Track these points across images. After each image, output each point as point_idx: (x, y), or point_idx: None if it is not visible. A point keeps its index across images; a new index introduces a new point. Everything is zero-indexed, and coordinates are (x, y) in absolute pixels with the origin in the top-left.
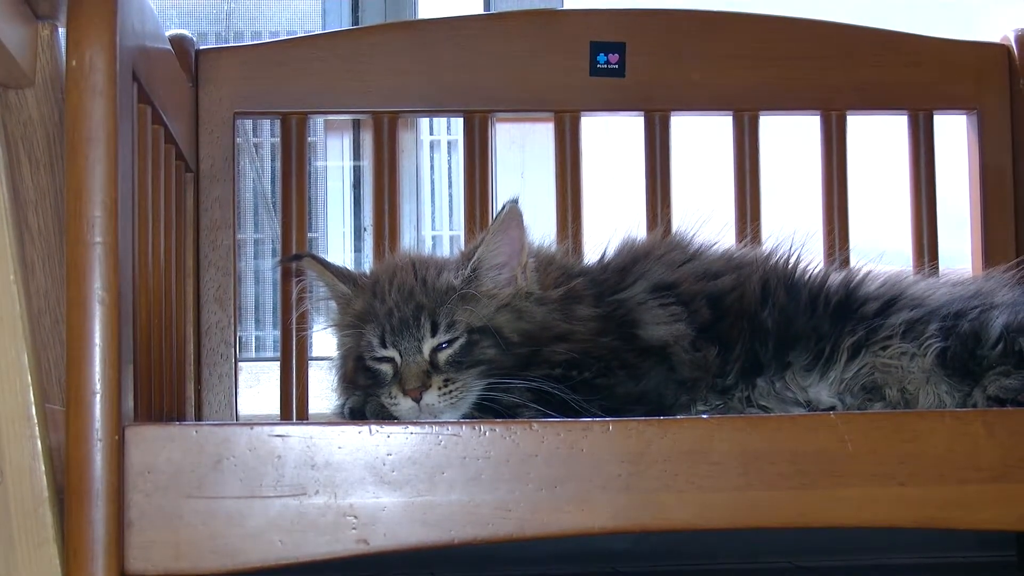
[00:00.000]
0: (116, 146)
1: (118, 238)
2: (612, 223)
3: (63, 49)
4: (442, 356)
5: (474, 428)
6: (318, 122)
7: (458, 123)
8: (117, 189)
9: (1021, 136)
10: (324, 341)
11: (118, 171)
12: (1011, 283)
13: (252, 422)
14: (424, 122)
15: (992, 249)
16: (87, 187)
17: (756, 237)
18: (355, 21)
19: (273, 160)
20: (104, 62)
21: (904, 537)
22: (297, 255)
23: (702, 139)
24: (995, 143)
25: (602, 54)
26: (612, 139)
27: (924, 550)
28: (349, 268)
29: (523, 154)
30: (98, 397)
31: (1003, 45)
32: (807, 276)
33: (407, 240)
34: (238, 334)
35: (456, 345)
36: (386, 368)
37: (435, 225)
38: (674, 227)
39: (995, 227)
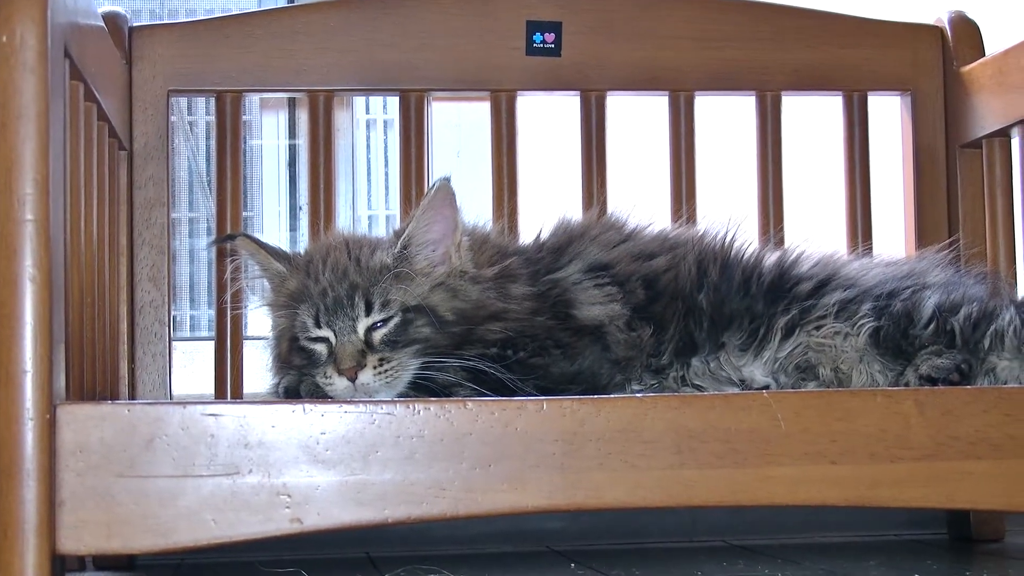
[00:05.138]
0: (47, 123)
1: (49, 215)
2: (549, 203)
3: None
4: (377, 335)
5: (408, 407)
6: (253, 100)
7: (394, 102)
8: (48, 166)
9: (954, 117)
10: (259, 321)
11: (49, 148)
12: (943, 263)
13: (185, 401)
14: (360, 101)
15: (925, 230)
16: (17, 164)
17: (692, 217)
18: None
19: (208, 138)
20: (35, 38)
21: (836, 515)
22: (231, 235)
23: (639, 119)
24: (928, 124)
25: (538, 33)
26: (549, 118)
27: (856, 528)
28: (284, 248)
29: (459, 133)
30: (29, 376)
31: (937, 27)
32: (741, 256)
33: (343, 219)
34: (172, 313)
35: (391, 324)
36: (321, 348)
37: (371, 204)
38: (610, 207)
39: (928, 208)
